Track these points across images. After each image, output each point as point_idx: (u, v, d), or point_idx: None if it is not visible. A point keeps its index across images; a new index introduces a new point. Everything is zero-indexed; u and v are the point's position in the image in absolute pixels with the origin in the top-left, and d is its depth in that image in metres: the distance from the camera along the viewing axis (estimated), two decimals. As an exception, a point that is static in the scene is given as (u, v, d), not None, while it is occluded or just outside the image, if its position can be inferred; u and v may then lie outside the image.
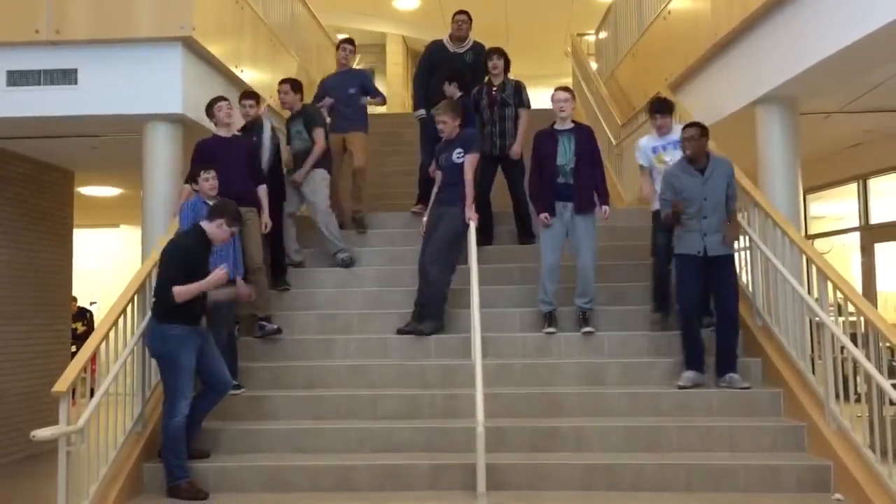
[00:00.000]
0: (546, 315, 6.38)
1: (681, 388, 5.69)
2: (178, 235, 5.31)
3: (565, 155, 6.33)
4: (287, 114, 7.47)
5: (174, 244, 5.16)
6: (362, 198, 7.94)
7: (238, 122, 6.60)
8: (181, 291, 4.91)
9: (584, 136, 6.45)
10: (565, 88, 6.58)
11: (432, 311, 6.41)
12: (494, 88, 7.45)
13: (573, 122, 6.51)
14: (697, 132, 5.79)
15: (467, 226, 6.36)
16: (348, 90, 7.99)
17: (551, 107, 6.51)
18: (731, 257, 5.86)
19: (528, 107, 7.51)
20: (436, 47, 8.13)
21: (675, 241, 5.92)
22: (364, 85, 8.12)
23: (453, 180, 6.48)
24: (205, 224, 5.14)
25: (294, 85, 7.37)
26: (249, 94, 6.96)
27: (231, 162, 6.18)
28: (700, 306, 5.91)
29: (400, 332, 6.43)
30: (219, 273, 5.05)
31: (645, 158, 6.52)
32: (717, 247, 5.75)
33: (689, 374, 5.75)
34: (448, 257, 6.41)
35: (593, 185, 6.39)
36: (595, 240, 6.38)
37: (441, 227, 6.44)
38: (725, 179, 5.82)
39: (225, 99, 6.42)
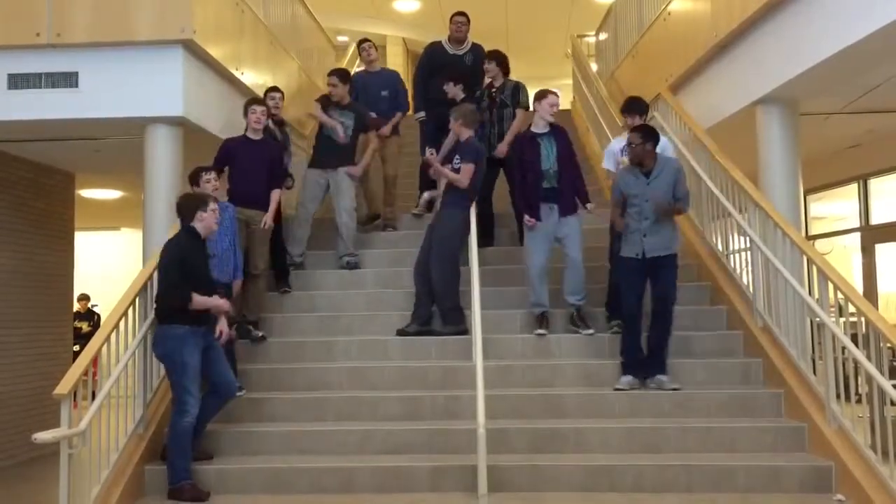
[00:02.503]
0: (539, 317, 6.38)
1: (617, 390, 5.71)
2: (175, 236, 5.32)
3: (549, 159, 6.34)
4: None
5: (172, 245, 5.20)
6: (394, 203, 8.15)
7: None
8: (198, 301, 5.03)
9: (563, 138, 6.48)
10: (555, 93, 6.61)
11: (452, 314, 6.43)
12: (494, 90, 7.47)
13: (549, 123, 6.52)
14: (638, 138, 5.77)
15: (464, 224, 6.41)
16: (380, 92, 8.04)
17: (533, 106, 6.55)
18: (673, 258, 5.84)
19: (527, 108, 7.52)
20: (435, 49, 8.13)
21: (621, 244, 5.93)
22: (396, 91, 8.17)
23: (452, 185, 6.51)
24: (195, 224, 5.22)
25: (342, 76, 7.53)
26: (275, 88, 7.21)
27: (252, 164, 6.30)
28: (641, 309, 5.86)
29: (401, 333, 6.43)
30: (221, 303, 5.21)
31: (611, 162, 6.53)
32: (656, 248, 5.75)
33: (626, 379, 5.78)
34: (447, 257, 6.42)
35: (575, 187, 6.43)
36: (581, 236, 6.40)
37: (438, 229, 6.49)
38: (670, 181, 5.79)
39: (262, 103, 6.54)
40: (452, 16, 8.10)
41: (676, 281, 5.87)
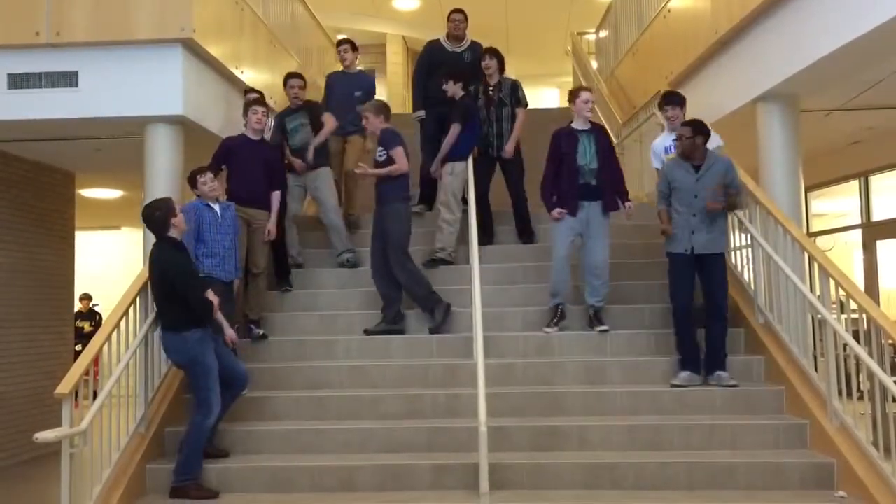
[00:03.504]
0: (552, 309, 6.36)
1: (674, 386, 5.69)
2: (163, 249, 5.16)
3: (586, 155, 6.30)
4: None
5: (170, 257, 5.10)
6: (355, 200, 7.99)
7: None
8: (213, 299, 5.16)
9: (603, 137, 6.46)
10: (588, 88, 6.59)
11: (430, 302, 6.46)
12: (491, 88, 7.45)
13: (590, 121, 6.50)
14: (689, 131, 5.76)
15: (408, 216, 6.51)
16: (354, 93, 8.01)
17: (569, 106, 6.51)
18: (722, 255, 5.83)
19: (525, 106, 7.51)
20: (433, 47, 8.10)
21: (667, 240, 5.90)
22: (369, 92, 8.13)
23: (383, 177, 6.48)
24: (170, 234, 5.17)
25: (304, 80, 7.51)
26: (253, 90, 7.12)
27: (251, 163, 6.29)
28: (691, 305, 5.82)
29: (368, 332, 6.42)
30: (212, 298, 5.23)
31: (658, 160, 6.53)
32: (705, 245, 5.73)
33: (684, 375, 5.75)
34: (403, 259, 6.44)
35: (614, 185, 6.40)
36: (607, 239, 6.38)
37: (387, 230, 6.44)
38: (720, 178, 5.77)
39: (263, 104, 6.51)
40: (450, 13, 8.05)
41: (726, 277, 5.85)
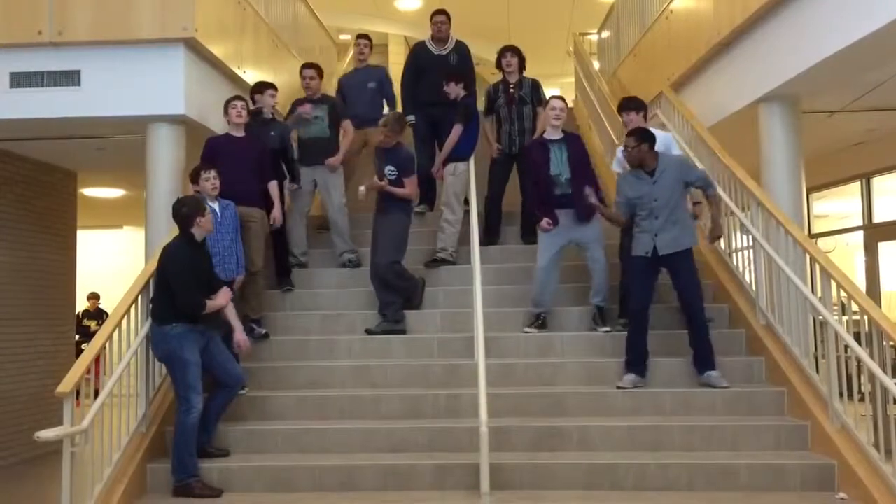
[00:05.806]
0: (536, 316, 6.40)
1: (619, 388, 5.69)
2: (176, 243, 5.28)
3: (559, 165, 6.28)
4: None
5: (177, 253, 5.17)
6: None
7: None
8: (211, 306, 5.13)
9: (575, 145, 6.42)
10: (561, 97, 6.59)
11: (408, 288, 6.59)
12: (511, 87, 7.42)
13: (562, 130, 6.48)
14: (633, 141, 5.72)
15: (408, 228, 6.58)
16: (368, 85, 8.00)
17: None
18: (688, 253, 5.77)
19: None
20: (419, 50, 8.07)
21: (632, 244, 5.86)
22: (381, 82, 8.15)
23: (387, 192, 6.51)
24: (194, 230, 5.23)
25: (319, 70, 7.53)
26: (268, 85, 7.07)
27: (237, 161, 6.25)
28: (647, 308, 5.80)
29: (369, 332, 6.44)
30: (222, 300, 5.25)
31: (619, 165, 6.47)
32: (668, 245, 5.69)
33: (629, 377, 5.74)
34: (396, 256, 6.51)
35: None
36: (602, 238, 6.38)
37: (381, 235, 6.51)
38: (676, 176, 5.72)
39: (241, 98, 6.51)
40: (432, 15, 8.01)
41: (696, 275, 5.81)
